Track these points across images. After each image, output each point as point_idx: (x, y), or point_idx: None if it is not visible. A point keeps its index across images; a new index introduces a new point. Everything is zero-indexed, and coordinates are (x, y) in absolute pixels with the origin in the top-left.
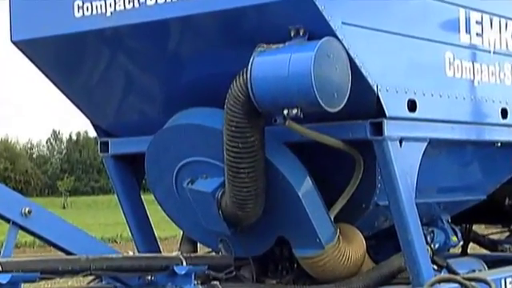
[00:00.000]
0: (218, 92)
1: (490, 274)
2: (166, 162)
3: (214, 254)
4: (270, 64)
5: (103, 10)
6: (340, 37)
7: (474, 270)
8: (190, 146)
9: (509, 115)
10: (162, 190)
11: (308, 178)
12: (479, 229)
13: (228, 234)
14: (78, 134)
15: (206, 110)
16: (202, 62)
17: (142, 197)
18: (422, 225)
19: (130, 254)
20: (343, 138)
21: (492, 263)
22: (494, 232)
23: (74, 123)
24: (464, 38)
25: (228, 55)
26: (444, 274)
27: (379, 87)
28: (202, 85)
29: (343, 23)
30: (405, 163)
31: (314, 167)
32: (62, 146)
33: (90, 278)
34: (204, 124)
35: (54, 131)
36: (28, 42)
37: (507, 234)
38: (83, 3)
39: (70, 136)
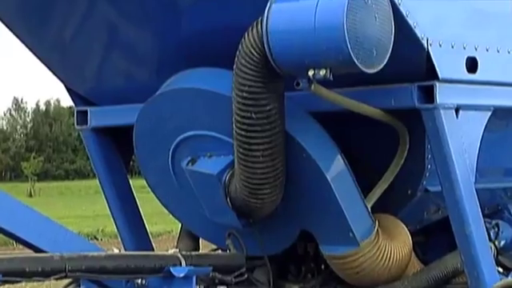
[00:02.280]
0: (226, 49)
1: None
2: (159, 137)
3: (220, 252)
4: (292, 13)
5: None
6: None
7: None
8: (190, 116)
9: None
10: (156, 172)
11: (339, 157)
12: None
13: (238, 228)
14: (48, 103)
15: (210, 72)
16: (205, 10)
17: (131, 182)
18: (484, 216)
19: (116, 251)
20: (384, 107)
21: None
22: None
23: (42, 89)
24: None
25: (237, 1)
26: None
27: (430, 41)
28: (204, 39)
29: None
30: (462, 138)
31: (347, 144)
32: (27, 119)
33: (66, 281)
34: (207, 88)
35: (16, 99)
36: None
37: None
38: None
39: (37, 105)
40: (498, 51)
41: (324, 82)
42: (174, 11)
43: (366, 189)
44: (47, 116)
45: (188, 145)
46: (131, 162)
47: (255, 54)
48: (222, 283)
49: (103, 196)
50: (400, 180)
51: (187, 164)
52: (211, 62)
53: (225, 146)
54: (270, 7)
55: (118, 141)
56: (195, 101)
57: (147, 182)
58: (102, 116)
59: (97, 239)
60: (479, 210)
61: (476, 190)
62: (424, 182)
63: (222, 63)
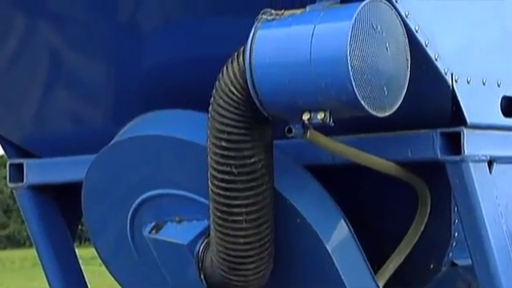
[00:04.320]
0: (199, 86)
1: None
2: (115, 197)
3: None
4: (282, 41)
5: None
6: None
7: None
8: (154, 171)
9: None
10: (109, 241)
11: (342, 222)
12: None
13: None
14: None
15: (179, 115)
16: (171, 37)
17: (78, 251)
18: None
19: None
20: (398, 159)
21: None
22: None
23: None
24: None
25: (214, 27)
26: None
27: (456, 77)
28: (171, 74)
29: None
30: (497, 198)
31: (353, 205)
32: None
33: None
34: (176, 136)
35: None
36: None
37: None
38: None
39: None
40: None
41: (323, 128)
42: (132, 39)
43: (377, 262)
44: None
45: (151, 207)
46: (78, 227)
47: (236, 92)
48: None
49: (42, 270)
50: (420, 251)
51: (150, 231)
52: (180, 103)
53: (198, 208)
54: (254, 34)
55: (61, 201)
56: (160, 151)
57: (98, 253)
58: (42, 171)
59: None
60: None
61: None
62: (450, 254)
63: (194, 104)
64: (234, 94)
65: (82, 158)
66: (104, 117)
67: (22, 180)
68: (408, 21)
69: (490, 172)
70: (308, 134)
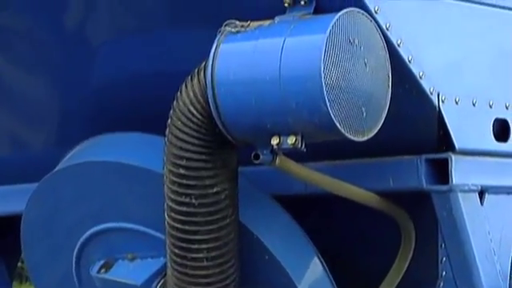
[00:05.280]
0: (155, 106)
1: None
2: (59, 232)
3: None
4: (248, 56)
5: None
6: (372, 7)
7: None
8: (103, 202)
9: None
10: (52, 281)
11: (316, 259)
12: None
13: None
14: None
15: (133, 138)
16: (125, 53)
17: None
18: None
19: None
20: (379, 189)
21: None
22: None
23: None
24: None
25: (171, 40)
26: None
27: (442, 97)
28: (124, 93)
29: None
30: (490, 233)
31: (328, 240)
32: None
33: None
34: (127, 162)
35: None
36: None
37: None
38: None
39: None
40: None
41: (294, 154)
42: (79, 54)
43: None
44: None
45: (100, 243)
46: (17, 266)
47: (196, 113)
48: None
49: None
50: None
51: (99, 270)
52: (133, 125)
53: (153, 244)
54: (217, 48)
55: None
56: (110, 180)
57: None
58: None
59: None
60: None
61: None
62: None
63: (149, 126)
64: (193, 114)
65: (22, 187)
66: (47, 140)
67: None
68: (389, 34)
69: (482, 203)
70: (277, 161)
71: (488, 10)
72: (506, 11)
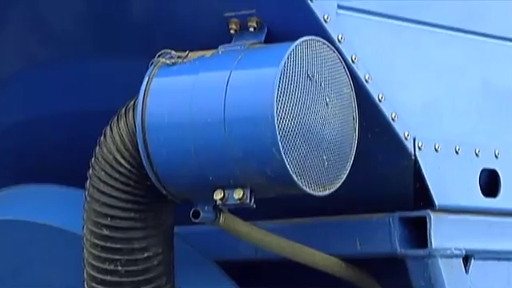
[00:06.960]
0: (73, 153)
1: None
2: None
3: None
4: (186, 93)
5: None
6: (335, 35)
7: None
8: (12, 267)
9: None
10: None
11: None
12: None
13: None
14: None
15: (46, 192)
16: (38, 88)
17: None
18: None
19: None
20: (343, 253)
21: None
22: None
23: None
24: None
25: (93, 72)
26: None
27: (419, 143)
28: (37, 136)
29: (340, 7)
30: None
31: None
32: None
33: None
34: (41, 221)
35: None
36: None
37: None
38: None
39: None
40: None
41: (241, 212)
42: None
43: None
44: None
45: None
46: None
47: (123, 162)
48: None
49: None
50: None
51: None
52: (46, 176)
53: None
54: (148, 83)
55: None
56: (21, 242)
57: None
58: None
59: None
60: None
61: None
62: None
63: (65, 178)
64: (120, 164)
65: None
66: None
67: None
68: (355, 67)
69: (466, 271)
70: (221, 219)
71: (472, 38)
72: (493, 40)
